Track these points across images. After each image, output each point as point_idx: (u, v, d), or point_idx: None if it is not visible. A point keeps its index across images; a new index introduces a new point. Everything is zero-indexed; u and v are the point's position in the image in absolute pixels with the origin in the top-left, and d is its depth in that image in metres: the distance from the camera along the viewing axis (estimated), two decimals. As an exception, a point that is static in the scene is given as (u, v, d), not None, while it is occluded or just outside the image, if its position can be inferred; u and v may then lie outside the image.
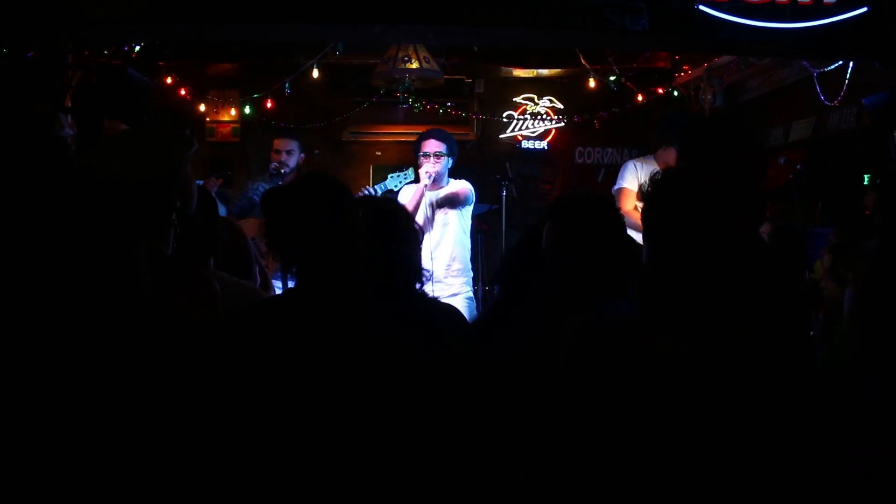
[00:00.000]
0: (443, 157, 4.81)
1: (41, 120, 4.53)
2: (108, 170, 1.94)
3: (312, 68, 6.47)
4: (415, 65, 5.87)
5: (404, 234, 2.31)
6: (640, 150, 5.55)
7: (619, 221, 2.14)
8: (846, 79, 4.92)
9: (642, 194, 1.79)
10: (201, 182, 4.92)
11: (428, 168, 4.77)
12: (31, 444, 1.68)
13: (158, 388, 1.74)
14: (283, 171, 5.06)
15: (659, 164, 5.27)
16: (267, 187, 5.00)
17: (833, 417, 1.69)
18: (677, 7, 4.22)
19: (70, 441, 1.68)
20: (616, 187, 5.29)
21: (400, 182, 5.05)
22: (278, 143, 5.21)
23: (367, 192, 4.89)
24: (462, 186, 4.92)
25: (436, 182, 4.79)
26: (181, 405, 1.76)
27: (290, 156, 5.16)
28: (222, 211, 3.65)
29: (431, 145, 4.82)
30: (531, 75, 7.27)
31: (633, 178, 5.29)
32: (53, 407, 1.68)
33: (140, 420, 1.71)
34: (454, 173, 4.98)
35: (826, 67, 5.13)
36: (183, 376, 1.77)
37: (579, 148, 7.58)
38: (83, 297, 1.71)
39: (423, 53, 5.90)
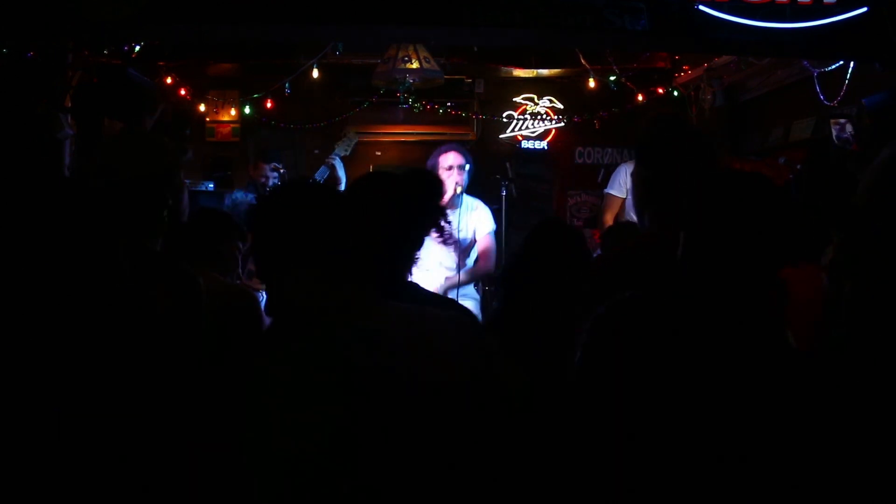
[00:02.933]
0: (465, 171, 4.83)
1: (41, 120, 4.53)
2: (110, 166, 2.01)
3: (312, 68, 6.47)
4: (415, 65, 5.86)
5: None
6: (640, 151, 5.57)
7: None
8: (846, 79, 4.91)
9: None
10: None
11: (458, 178, 4.79)
12: (14, 438, 1.68)
13: (137, 383, 1.74)
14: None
15: None
16: (242, 197, 5.14)
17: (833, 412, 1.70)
18: (677, 7, 4.21)
19: (52, 437, 1.68)
20: (605, 191, 5.50)
21: (347, 148, 5.56)
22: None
23: (330, 162, 5.38)
24: (488, 242, 4.97)
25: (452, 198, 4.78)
26: (163, 400, 1.76)
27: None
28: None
29: (454, 158, 4.84)
30: (531, 75, 7.26)
31: (620, 185, 5.43)
32: (36, 402, 1.68)
33: (117, 417, 1.71)
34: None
35: (826, 67, 5.13)
36: (166, 371, 1.78)
37: (579, 148, 7.57)
38: (66, 293, 1.71)
39: (423, 53, 5.90)
